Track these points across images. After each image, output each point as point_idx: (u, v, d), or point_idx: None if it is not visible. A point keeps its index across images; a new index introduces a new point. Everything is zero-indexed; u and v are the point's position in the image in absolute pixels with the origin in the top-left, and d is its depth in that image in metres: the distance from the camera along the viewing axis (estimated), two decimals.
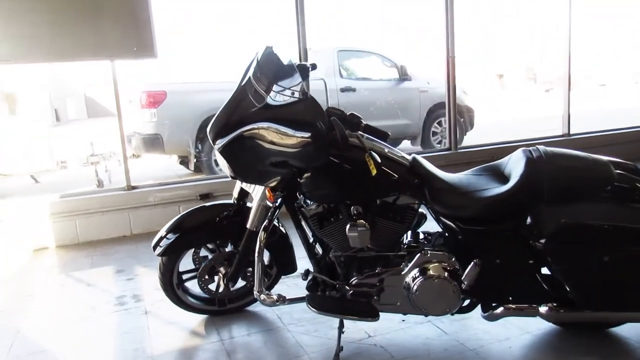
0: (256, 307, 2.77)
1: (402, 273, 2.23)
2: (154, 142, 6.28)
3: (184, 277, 2.63)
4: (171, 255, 2.49)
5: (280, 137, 2.08)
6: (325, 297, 2.32)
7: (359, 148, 2.13)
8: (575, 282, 2.02)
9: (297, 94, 2.08)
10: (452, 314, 2.26)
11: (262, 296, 2.27)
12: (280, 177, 2.19)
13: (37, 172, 7.05)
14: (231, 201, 2.57)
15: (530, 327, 2.39)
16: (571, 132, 5.98)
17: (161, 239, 2.47)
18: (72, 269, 3.62)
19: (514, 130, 8.03)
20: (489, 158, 5.40)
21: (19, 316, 2.91)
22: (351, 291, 2.29)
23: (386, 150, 2.27)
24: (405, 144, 7.68)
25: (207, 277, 2.56)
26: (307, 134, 2.04)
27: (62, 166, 6.72)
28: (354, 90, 7.12)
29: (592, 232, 1.93)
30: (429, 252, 2.21)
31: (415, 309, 2.22)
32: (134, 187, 4.44)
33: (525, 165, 2.10)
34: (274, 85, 2.12)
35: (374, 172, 2.08)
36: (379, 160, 2.11)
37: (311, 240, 2.39)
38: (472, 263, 2.13)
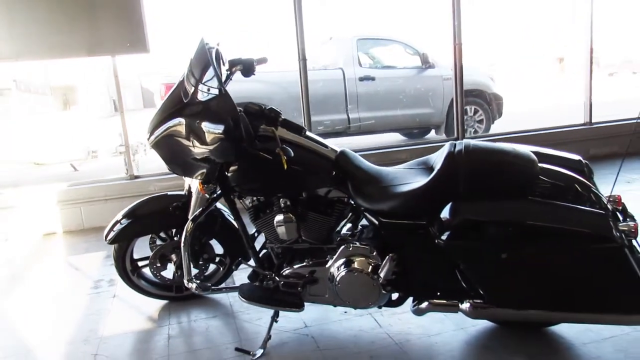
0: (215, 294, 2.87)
1: (327, 265, 2.26)
2: None
3: (139, 264, 2.77)
4: (121, 243, 2.64)
5: (197, 133, 2.16)
6: (256, 287, 2.39)
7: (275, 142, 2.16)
8: (480, 279, 1.98)
9: (213, 90, 2.13)
10: (380, 307, 2.28)
11: (190, 284, 2.37)
12: (206, 171, 2.27)
13: (72, 161, 7.52)
14: (183, 192, 2.68)
15: (466, 324, 2.36)
16: (593, 121, 5.64)
17: (112, 227, 2.62)
18: (68, 253, 3.89)
19: (559, 116, 7.67)
20: None
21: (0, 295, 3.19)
22: (282, 282, 2.35)
23: (313, 143, 2.30)
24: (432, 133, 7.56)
25: (159, 264, 2.69)
26: (220, 130, 2.10)
27: (93, 156, 7.12)
28: (372, 79, 7.06)
29: (491, 230, 1.87)
30: (351, 245, 2.23)
31: (341, 301, 2.25)
32: (136, 177, 4.68)
33: (443, 160, 2.07)
34: (198, 81, 2.19)
35: (285, 166, 2.11)
36: (292, 154, 2.14)
37: (254, 230, 2.47)
38: (388, 257, 2.13)
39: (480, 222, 1.89)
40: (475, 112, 7.61)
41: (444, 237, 1.92)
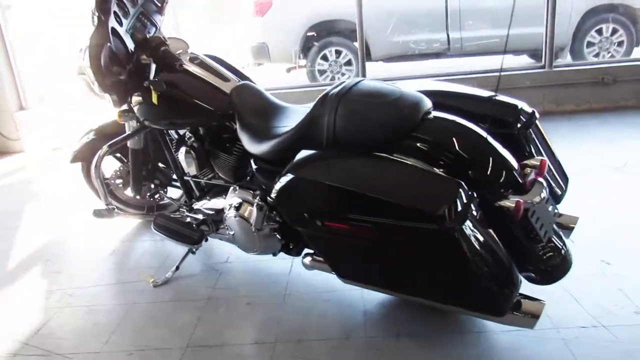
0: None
1: (222, 206, 2.17)
2: (260, 50, 6.59)
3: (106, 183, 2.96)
4: (81, 163, 2.82)
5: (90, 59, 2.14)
6: (171, 218, 2.41)
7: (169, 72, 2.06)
8: (310, 241, 1.73)
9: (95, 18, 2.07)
10: (275, 255, 2.14)
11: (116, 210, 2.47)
12: (110, 100, 2.27)
13: None
14: None
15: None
16: None
17: (75, 147, 2.82)
18: None
19: None
20: (591, 80, 4.33)
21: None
22: (188, 217, 2.35)
23: (211, 75, 2.14)
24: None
25: (121, 185, 2.85)
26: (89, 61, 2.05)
27: None
28: None
29: (313, 190, 1.57)
30: (237, 188, 2.09)
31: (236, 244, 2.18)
32: None
33: (314, 104, 1.77)
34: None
35: (155, 100, 2.02)
36: (164, 87, 2.02)
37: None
38: (256, 204, 1.96)
39: (303, 180, 1.60)
40: (614, 32, 6.22)
41: (273, 194, 1.67)
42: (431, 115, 1.67)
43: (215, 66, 2.20)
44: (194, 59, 2.19)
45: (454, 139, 1.60)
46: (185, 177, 2.39)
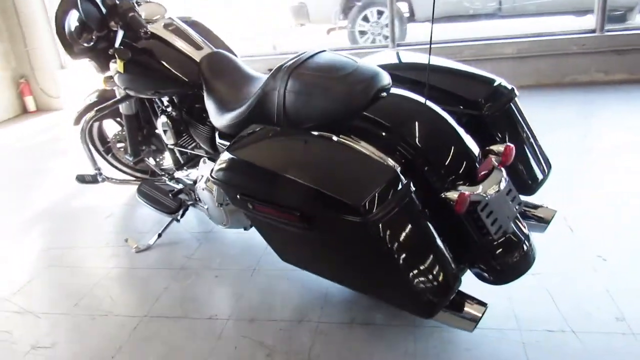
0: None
1: (196, 177, 2.15)
2: (300, 11, 6.44)
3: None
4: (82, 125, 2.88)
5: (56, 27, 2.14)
6: (155, 185, 2.42)
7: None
8: (249, 220, 1.66)
9: None
10: (246, 229, 2.11)
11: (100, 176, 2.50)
12: (95, 65, 2.27)
13: None
14: None
15: None
16: None
17: (78, 110, 2.87)
18: None
19: None
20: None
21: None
22: (175, 185, 2.35)
23: (183, 42, 2.07)
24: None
25: (120, 148, 2.89)
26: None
27: None
28: None
29: (243, 171, 1.49)
30: (206, 160, 2.06)
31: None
32: None
33: (266, 78, 1.68)
34: None
35: (121, 69, 1.99)
36: (129, 55, 1.98)
37: None
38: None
39: (238, 160, 1.52)
40: None
41: (211, 173, 1.61)
42: (384, 94, 1.53)
43: (190, 33, 2.12)
44: (168, 25, 2.13)
45: (402, 120, 1.47)
46: (169, 146, 2.38)
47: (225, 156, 1.52)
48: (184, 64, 2.05)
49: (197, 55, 2.05)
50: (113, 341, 1.80)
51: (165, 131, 2.26)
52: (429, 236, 1.34)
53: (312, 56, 1.64)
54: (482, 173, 1.41)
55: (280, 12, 6.77)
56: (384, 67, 1.75)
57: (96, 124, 2.85)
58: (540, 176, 1.67)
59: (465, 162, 1.43)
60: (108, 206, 2.87)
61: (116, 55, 1.99)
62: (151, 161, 2.72)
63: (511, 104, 1.65)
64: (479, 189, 1.38)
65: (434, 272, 1.32)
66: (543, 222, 1.69)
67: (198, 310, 1.92)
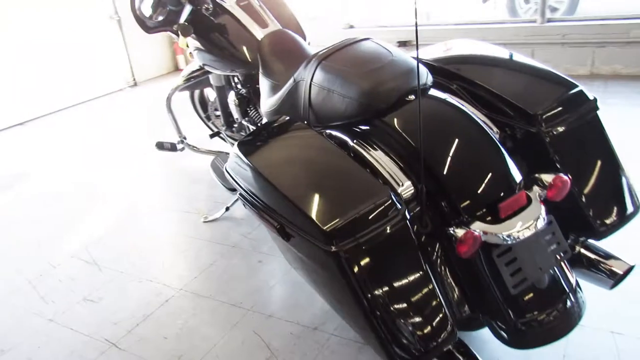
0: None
1: None
2: None
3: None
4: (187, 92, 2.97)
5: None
6: (226, 159, 2.44)
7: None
8: None
9: None
10: None
11: (179, 145, 2.59)
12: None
13: None
14: None
15: None
16: None
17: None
18: None
19: None
20: None
21: None
22: None
23: (247, 18, 1.99)
24: None
25: (217, 116, 2.97)
26: None
27: None
28: None
29: (241, 168, 1.37)
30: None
31: None
32: (351, 26, 4.70)
33: (300, 67, 1.53)
34: None
35: (184, 45, 1.98)
36: (191, 31, 1.96)
37: None
38: None
39: (238, 156, 1.40)
40: None
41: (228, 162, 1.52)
42: (412, 96, 1.29)
43: (259, 9, 2.03)
44: (240, 0, 2.06)
45: (428, 131, 1.22)
46: (243, 121, 2.36)
47: (234, 150, 1.43)
48: (247, 42, 1.98)
49: (260, 34, 1.96)
50: (143, 309, 1.88)
51: (232, 107, 2.25)
52: (417, 278, 1.11)
53: (346, 45, 1.45)
54: (508, 208, 1.11)
55: None
56: (439, 60, 1.49)
57: (197, 92, 2.96)
58: (614, 218, 1.28)
59: (493, 192, 1.14)
60: (194, 173, 2.99)
61: (179, 32, 1.99)
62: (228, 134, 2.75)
63: (588, 119, 1.27)
64: (499, 228, 1.10)
65: (417, 322, 1.09)
66: (612, 277, 1.30)
67: (227, 294, 1.91)
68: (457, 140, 1.20)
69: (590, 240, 1.34)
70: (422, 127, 1.17)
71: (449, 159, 1.18)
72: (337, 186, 1.16)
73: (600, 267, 1.32)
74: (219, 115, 2.92)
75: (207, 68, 2.24)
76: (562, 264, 1.21)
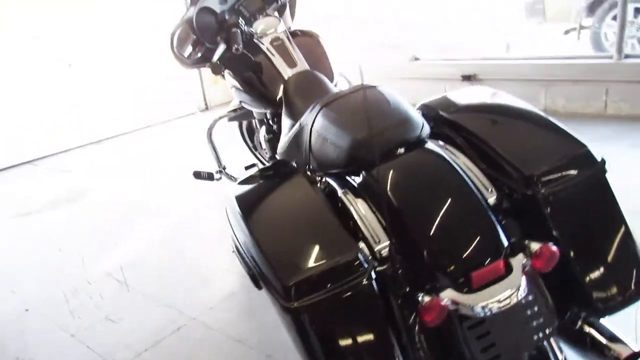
0: None
1: None
2: (534, 7, 5.69)
3: None
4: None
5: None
6: None
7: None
8: None
9: None
10: None
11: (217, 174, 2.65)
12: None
13: None
14: None
15: None
16: None
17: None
18: None
19: None
20: None
21: None
22: None
23: (276, 56, 2.02)
24: None
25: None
26: None
27: None
28: None
29: (232, 214, 1.37)
30: None
31: None
32: (416, 59, 4.65)
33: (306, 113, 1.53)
34: None
35: (213, 82, 2.04)
36: (222, 70, 2.02)
37: None
38: None
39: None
40: None
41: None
42: (401, 149, 1.24)
43: (291, 49, 2.05)
44: (275, 40, 2.09)
45: (410, 188, 1.18)
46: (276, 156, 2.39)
47: (229, 190, 1.45)
48: (275, 82, 2.00)
49: (288, 73, 1.99)
50: (155, 334, 1.93)
51: (263, 143, 2.27)
52: (377, 340, 1.05)
53: (351, 92, 1.43)
54: (481, 277, 1.03)
55: (512, 8, 6.08)
56: (448, 110, 1.42)
57: (245, 122, 3.04)
58: (617, 295, 1.13)
59: (469, 259, 1.06)
60: None
61: (211, 70, 2.06)
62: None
63: (593, 182, 1.16)
64: (471, 299, 1.02)
65: None
66: None
67: (236, 328, 1.92)
68: (439, 200, 1.13)
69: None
70: (401, 182, 1.12)
71: (427, 219, 1.11)
72: (307, 239, 1.13)
73: (601, 349, 1.17)
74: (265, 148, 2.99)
75: (242, 104, 2.30)
76: (551, 342, 1.09)
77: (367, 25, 5.68)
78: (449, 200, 1.13)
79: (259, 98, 2.07)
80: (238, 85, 2.15)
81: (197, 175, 2.68)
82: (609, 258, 1.14)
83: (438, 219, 1.11)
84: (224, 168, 2.67)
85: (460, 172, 1.18)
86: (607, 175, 1.16)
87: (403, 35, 4.90)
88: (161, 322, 2.00)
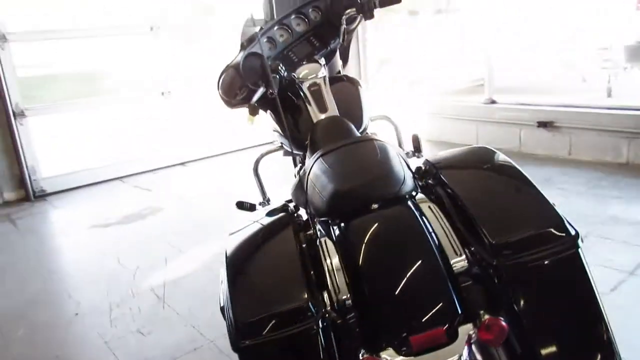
0: None
1: None
2: (636, 51, 5.30)
3: None
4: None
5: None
6: None
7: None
8: None
9: None
10: None
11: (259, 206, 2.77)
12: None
13: None
14: None
15: None
16: None
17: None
18: None
19: None
20: None
21: None
22: None
23: (310, 98, 2.11)
24: None
25: None
26: None
27: None
28: None
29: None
30: None
31: None
32: (493, 102, 4.52)
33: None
34: None
35: (248, 122, 2.16)
36: (258, 112, 2.14)
37: None
38: None
39: None
40: None
41: None
42: (375, 205, 1.26)
43: (325, 94, 2.13)
44: (312, 85, 2.18)
45: (373, 245, 1.20)
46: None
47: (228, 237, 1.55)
48: (306, 126, 2.09)
49: (318, 117, 2.07)
50: (174, 352, 2.07)
51: (294, 192, 2.34)
52: None
53: (348, 144, 1.49)
54: (420, 342, 1.02)
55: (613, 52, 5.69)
56: (446, 164, 1.43)
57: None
58: None
59: (413, 323, 1.06)
60: None
61: (248, 110, 2.19)
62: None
63: (564, 257, 1.10)
64: None
65: None
66: None
67: None
68: (394, 260, 1.13)
69: None
70: (363, 237, 1.16)
71: (379, 277, 1.12)
72: (269, 283, 1.19)
73: None
74: None
75: (282, 144, 2.42)
76: None
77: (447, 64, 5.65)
78: (405, 261, 1.13)
79: (292, 140, 2.16)
80: (274, 126, 2.27)
81: (240, 205, 2.81)
82: (575, 341, 1.08)
83: (389, 278, 1.12)
84: (268, 200, 2.78)
85: (428, 233, 1.18)
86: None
87: (482, 74, 4.80)
88: (182, 341, 2.13)
